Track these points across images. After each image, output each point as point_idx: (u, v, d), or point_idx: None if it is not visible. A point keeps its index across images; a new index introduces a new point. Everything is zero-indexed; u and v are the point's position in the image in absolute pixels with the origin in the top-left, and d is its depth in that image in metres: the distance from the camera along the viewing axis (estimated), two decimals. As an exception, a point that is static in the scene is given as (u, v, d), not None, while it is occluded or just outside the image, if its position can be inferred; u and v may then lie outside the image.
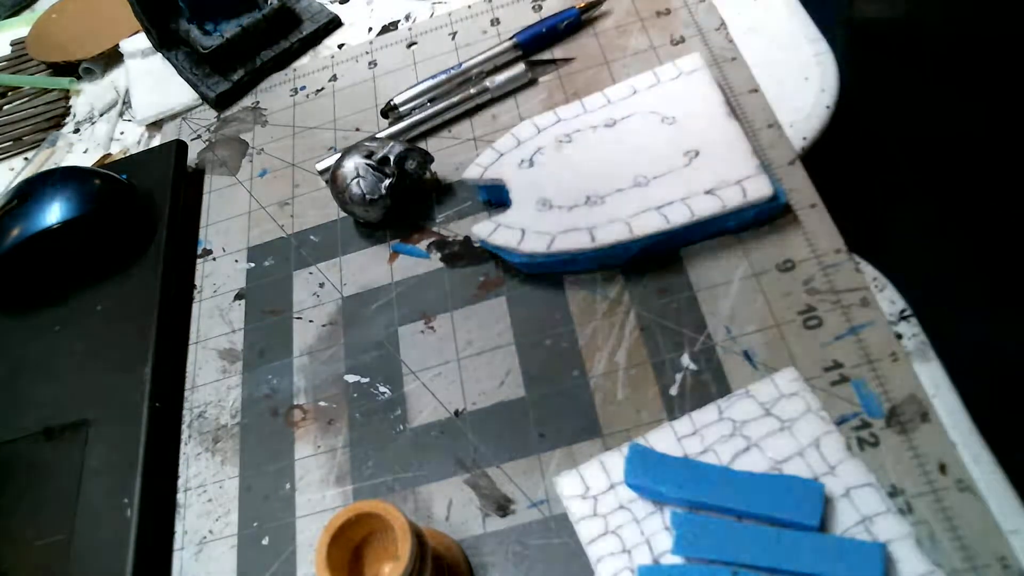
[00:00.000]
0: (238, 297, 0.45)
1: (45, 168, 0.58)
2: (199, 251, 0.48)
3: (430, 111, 0.47)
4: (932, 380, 0.31)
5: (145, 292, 0.44)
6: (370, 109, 0.51)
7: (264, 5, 0.56)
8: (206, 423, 0.41)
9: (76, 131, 0.61)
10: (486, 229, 0.40)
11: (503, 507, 0.34)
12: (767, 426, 0.32)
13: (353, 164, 0.43)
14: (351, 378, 0.40)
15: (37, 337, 0.45)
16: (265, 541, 0.36)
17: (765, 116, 0.41)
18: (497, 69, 0.48)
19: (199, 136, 0.54)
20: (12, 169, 0.61)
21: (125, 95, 0.61)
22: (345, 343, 0.41)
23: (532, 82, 0.47)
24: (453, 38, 0.52)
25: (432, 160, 0.44)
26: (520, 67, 0.47)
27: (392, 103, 0.48)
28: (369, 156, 0.43)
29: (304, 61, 0.56)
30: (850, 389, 0.32)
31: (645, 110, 0.41)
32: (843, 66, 0.41)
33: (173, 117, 0.57)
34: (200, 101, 0.56)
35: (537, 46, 0.48)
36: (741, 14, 0.46)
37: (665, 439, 0.33)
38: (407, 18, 0.55)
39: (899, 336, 0.33)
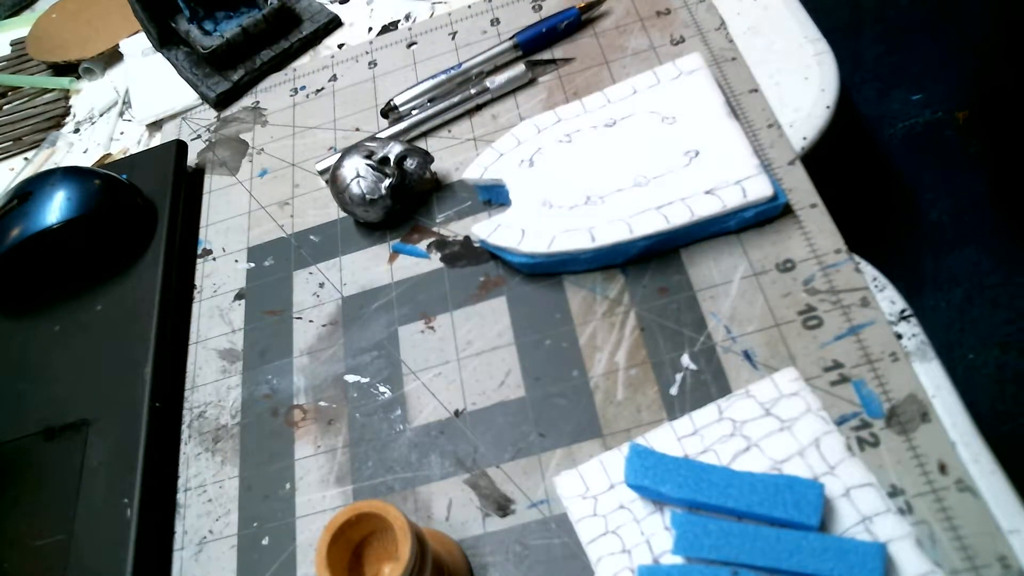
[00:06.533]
0: (238, 297, 0.45)
1: (45, 168, 0.58)
2: (199, 251, 0.48)
3: (430, 111, 0.47)
4: (932, 380, 0.31)
5: (145, 292, 0.44)
6: (370, 109, 0.51)
7: (264, 5, 0.56)
8: (206, 423, 0.41)
9: (76, 131, 0.61)
10: (486, 229, 0.40)
11: (503, 507, 0.34)
12: (767, 426, 0.32)
13: (353, 164, 0.43)
14: (351, 378, 0.40)
15: (37, 337, 0.45)
16: (265, 541, 0.36)
17: (765, 116, 0.41)
18: (497, 69, 0.48)
19: (199, 136, 0.54)
20: (12, 169, 0.61)
21: (125, 95, 0.62)
22: (345, 343, 0.41)
23: (532, 82, 0.47)
24: (453, 38, 0.52)
25: (432, 160, 0.44)
26: (520, 67, 0.47)
27: (392, 103, 0.48)
28: (369, 156, 0.43)
29: (304, 61, 0.56)
30: (850, 389, 0.32)
31: (645, 110, 0.41)
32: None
33: (173, 117, 0.57)
34: (200, 101, 0.56)
35: (537, 46, 0.48)
36: (741, 14, 0.46)
37: (665, 439, 0.33)
38: (407, 18, 0.55)
39: (899, 336, 0.33)
